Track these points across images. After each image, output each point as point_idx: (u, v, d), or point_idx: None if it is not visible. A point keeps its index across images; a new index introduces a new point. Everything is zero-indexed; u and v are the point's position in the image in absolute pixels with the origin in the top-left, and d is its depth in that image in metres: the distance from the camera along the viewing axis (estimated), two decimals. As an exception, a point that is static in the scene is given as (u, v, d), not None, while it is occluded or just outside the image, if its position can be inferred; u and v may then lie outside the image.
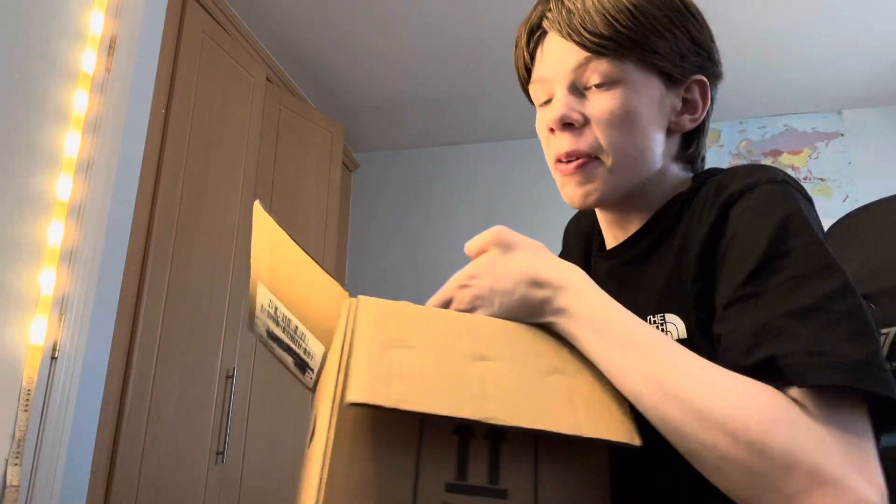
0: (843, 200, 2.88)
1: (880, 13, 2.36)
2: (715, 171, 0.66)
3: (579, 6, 0.66)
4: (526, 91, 0.75)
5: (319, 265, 0.52)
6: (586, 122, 0.66)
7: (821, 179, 2.95)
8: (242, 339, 2.05)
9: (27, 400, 1.34)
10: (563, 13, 0.66)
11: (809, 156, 2.99)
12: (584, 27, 0.65)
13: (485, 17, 2.40)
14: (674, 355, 0.49)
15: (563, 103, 0.66)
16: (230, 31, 2.23)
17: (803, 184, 2.90)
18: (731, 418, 0.44)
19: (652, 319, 0.63)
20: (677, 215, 0.65)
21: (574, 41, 0.65)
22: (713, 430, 0.44)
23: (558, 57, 0.67)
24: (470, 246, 0.60)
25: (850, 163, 2.93)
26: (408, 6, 2.35)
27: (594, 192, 0.67)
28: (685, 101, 0.70)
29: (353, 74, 2.78)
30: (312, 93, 2.89)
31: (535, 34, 0.71)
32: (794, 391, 0.46)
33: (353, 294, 0.52)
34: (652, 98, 0.66)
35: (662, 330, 0.61)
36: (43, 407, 1.38)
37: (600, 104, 0.65)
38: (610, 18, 0.64)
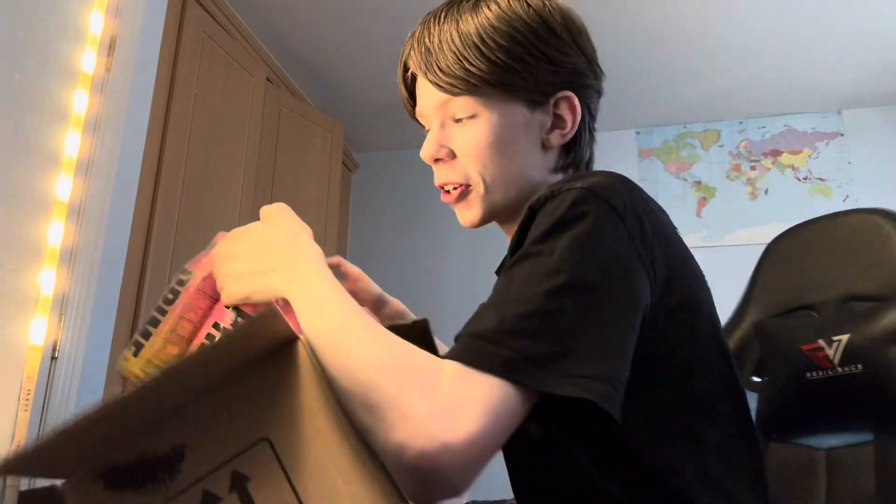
0: (844, 200, 2.89)
1: (880, 13, 2.36)
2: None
3: (435, 44, 0.69)
4: (414, 118, 0.79)
5: None
6: (455, 154, 0.70)
7: (821, 179, 2.95)
8: (242, 339, 2.05)
9: (27, 400, 1.34)
10: (423, 53, 0.70)
11: (809, 156, 2.99)
12: (438, 68, 0.68)
13: (485, 17, 2.40)
14: (351, 321, 0.52)
15: (432, 140, 0.71)
16: (230, 31, 2.23)
17: (803, 184, 2.94)
18: (365, 365, 0.48)
19: None
20: None
21: (431, 82, 0.69)
22: (352, 380, 0.48)
23: (426, 96, 0.72)
24: (263, 210, 0.65)
25: (849, 163, 2.93)
26: (408, 6, 2.35)
27: (476, 216, 0.72)
28: (556, 116, 0.72)
29: (353, 74, 2.78)
30: (312, 93, 2.89)
31: (407, 72, 0.76)
32: (450, 362, 0.50)
33: None
34: (516, 123, 0.69)
35: None
36: (43, 407, 1.38)
37: (465, 138, 0.69)
38: (460, 57, 0.67)
